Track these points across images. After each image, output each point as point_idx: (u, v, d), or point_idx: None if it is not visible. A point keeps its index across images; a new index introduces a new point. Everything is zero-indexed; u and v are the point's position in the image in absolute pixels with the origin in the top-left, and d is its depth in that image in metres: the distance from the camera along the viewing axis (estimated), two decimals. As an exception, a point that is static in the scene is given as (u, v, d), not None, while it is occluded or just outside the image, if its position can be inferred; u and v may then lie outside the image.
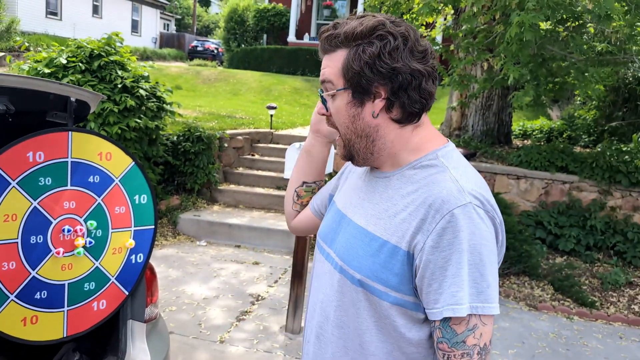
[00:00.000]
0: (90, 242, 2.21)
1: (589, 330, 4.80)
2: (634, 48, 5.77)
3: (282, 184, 7.55)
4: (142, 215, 2.38)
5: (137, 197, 2.36)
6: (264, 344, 4.00)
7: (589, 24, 6.14)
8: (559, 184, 6.18)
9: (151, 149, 6.24)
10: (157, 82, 6.40)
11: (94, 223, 2.22)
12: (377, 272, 1.14)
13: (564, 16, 5.54)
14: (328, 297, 1.26)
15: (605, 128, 8.06)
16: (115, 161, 2.29)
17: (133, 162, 2.33)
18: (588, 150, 7.15)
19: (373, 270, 1.15)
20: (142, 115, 5.93)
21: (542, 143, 7.89)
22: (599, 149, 6.50)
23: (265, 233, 6.31)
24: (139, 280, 2.39)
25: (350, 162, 1.38)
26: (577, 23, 5.96)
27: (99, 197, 2.24)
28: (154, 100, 6.18)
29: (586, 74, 5.71)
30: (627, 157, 6.08)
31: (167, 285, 4.93)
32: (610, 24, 5.22)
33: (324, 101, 1.25)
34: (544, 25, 6.04)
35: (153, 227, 2.43)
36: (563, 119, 9.22)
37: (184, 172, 6.93)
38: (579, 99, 9.15)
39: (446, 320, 1.08)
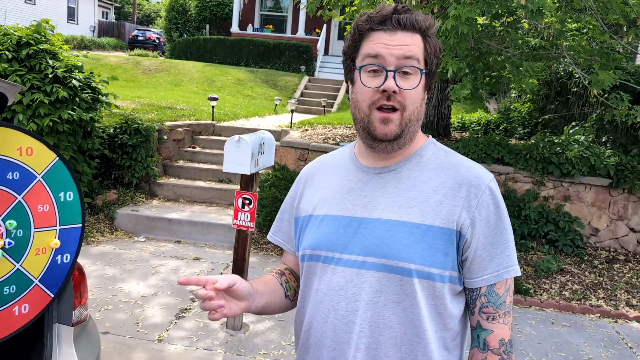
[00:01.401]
0: (9, 243, 2.08)
1: (524, 316, 4.97)
2: (565, 43, 5.99)
3: (224, 177, 7.44)
4: (69, 213, 2.27)
5: (62, 194, 2.25)
6: (204, 342, 3.93)
7: (523, 20, 6.33)
8: (495, 175, 6.34)
9: (86, 142, 6.00)
10: (91, 73, 6.15)
11: (14, 223, 2.09)
12: (429, 257, 1.18)
13: (499, 11, 5.68)
14: (366, 301, 1.20)
15: (539, 120, 8.36)
16: (37, 156, 2.16)
17: (57, 157, 2.21)
18: (523, 142, 7.40)
19: (424, 256, 1.18)
20: (75, 107, 5.69)
21: (479, 135, 8.10)
22: (533, 141, 6.73)
23: (206, 228, 6.19)
24: (66, 281, 2.28)
25: (302, 179, 1.44)
26: (511, 18, 6.13)
27: (19, 195, 2.11)
28: (89, 91, 5.94)
29: (520, 68, 5.88)
30: (558, 148, 6.32)
31: (103, 283, 4.76)
32: (543, 19, 5.40)
33: (395, 78, 1.19)
34: (481, 20, 6.18)
35: (80, 225, 2.31)
36: (500, 111, 9.50)
37: (121, 166, 6.71)
38: (514, 92, 9.44)
39: (491, 285, 1.21)
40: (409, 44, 1.20)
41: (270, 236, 1.51)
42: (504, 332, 1.23)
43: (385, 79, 1.19)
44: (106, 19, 33.14)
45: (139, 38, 26.59)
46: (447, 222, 1.19)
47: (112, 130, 6.77)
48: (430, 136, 1.35)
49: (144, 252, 5.67)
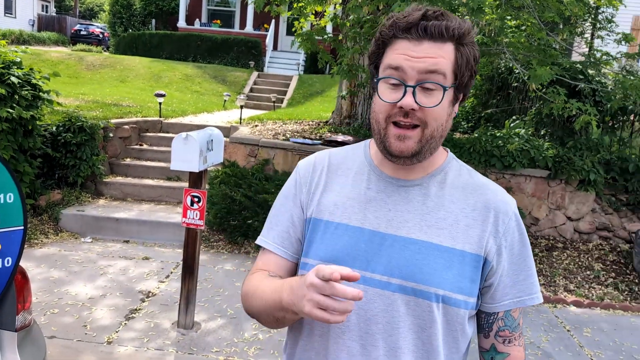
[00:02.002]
0: (-54, 248, 2.02)
1: (469, 304, 5.15)
2: (505, 40, 6.20)
3: (172, 175, 7.35)
4: (9, 215, 2.22)
5: (2, 195, 2.19)
6: (155, 342, 3.89)
7: (466, 17, 6.51)
8: (441, 168, 6.54)
9: (27, 141, 5.80)
10: (31, 69, 5.95)
11: (-49, 227, 2.03)
12: (457, 283, 1.14)
13: (442, 8, 5.82)
14: (391, 325, 1.14)
15: (482, 115, 8.63)
16: (-25, 158, 2.10)
17: (-4, 159, 2.16)
18: (467, 136, 7.62)
19: (454, 282, 1.13)
20: (14, 105, 5.49)
21: (426, 129, 8.28)
22: (476, 135, 6.95)
23: (155, 227, 6.11)
24: (8, 286, 2.23)
25: (309, 174, 1.26)
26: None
27: (-44, 198, 2.05)
28: (29, 88, 5.75)
29: (464, 64, 6.04)
30: (500, 142, 6.55)
31: (49, 286, 4.64)
32: (484, 17, 5.57)
33: (414, 93, 1.09)
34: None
35: (22, 227, 2.27)
36: (445, 106, 9.73)
37: (65, 165, 6.53)
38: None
39: (509, 310, 1.20)
40: (435, 57, 1.08)
41: (260, 240, 1.32)
42: (520, 354, 1.24)
43: (404, 95, 1.08)
44: (46, 12, 31.93)
45: (82, 33, 25.76)
46: (476, 248, 1.15)
47: (54, 128, 6.57)
48: (449, 150, 1.27)
49: (91, 253, 5.55)
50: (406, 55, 1.08)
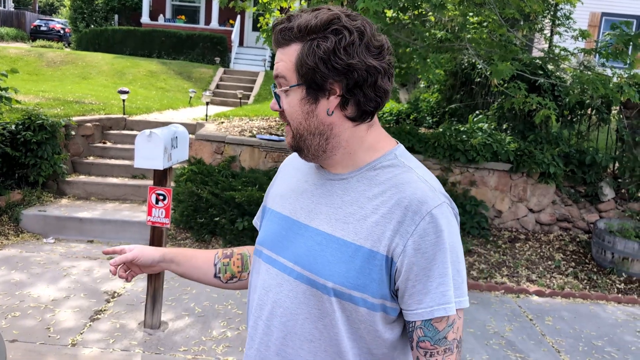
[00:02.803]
0: None
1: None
2: (467, 36, 6.31)
3: (137, 173, 7.24)
4: (-35, 217, 2.16)
5: (-43, 197, 2.14)
6: (121, 343, 3.85)
7: (430, 13, 6.60)
8: (407, 163, 6.61)
9: (-16, 141, 5.65)
10: (-13, 66, 5.78)
11: None
12: (353, 279, 1.10)
13: (405, 4, 5.89)
14: (290, 310, 1.17)
15: (446, 110, 8.75)
16: None
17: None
18: (431, 130, 7.72)
19: (348, 278, 1.10)
20: (-30, 103, 5.34)
21: (391, 125, 8.37)
22: (441, 130, 7.05)
23: (120, 226, 6.02)
24: (-35, 289, 2.17)
25: (280, 167, 1.41)
26: (417, 12, 6.37)
27: None
28: (-15, 86, 5.59)
29: (427, 60, 6.14)
30: (464, 136, 6.66)
31: (9, 289, 4.53)
32: (446, 13, 5.66)
33: (277, 97, 1.17)
34: (389, 13, 6.38)
35: (-21, 229, 2.21)
36: (410, 102, 9.85)
37: (25, 164, 6.36)
38: (423, 83, 9.82)
39: (429, 319, 1.09)
40: (278, 62, 1.15)
41: (254, 220, 1.49)
42: None
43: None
44: (4, 7, 30.97)
45: (42, 28, 25.10)
46: (377, 245, 1.10)
47: (13, 126, 6.39)
48: (399, 143, 1.24)
49: (54, 254, 5.43)
50: None
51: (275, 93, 1.18)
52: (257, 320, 1.25)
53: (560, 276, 5.86)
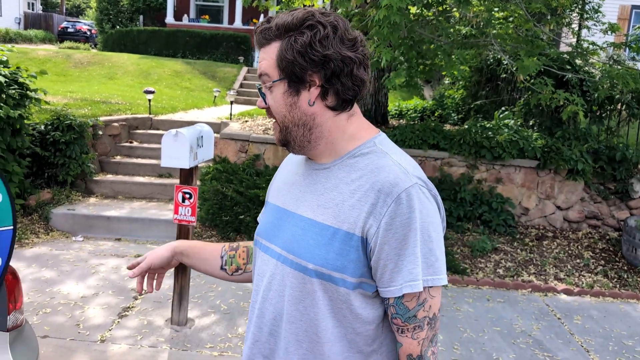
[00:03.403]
0: None
1: (461, 295, 5.19)
2: (493, 32, 6.23)
3: (163, 172, 7.33)
4: (-2, 216, 2.21)
5: (-10, 197, 2.19)
6: (148, 339, 3.90)
7: (454, 9, 6.53)
8: (431, 160, 6.57)
9: (15, 140, 5.77)
10: (18, 67, 5.91)
11: (-61, 229, 2.02)
12: (332, 261, 1.17)
13: (429, 1, 5.83)
14: (278, 292, 1.26)
15: (471, 106, 8.66)
16: (-38, 159, 2.09)
17: (-17, 160, 2.15)
18: (457, 127, 7.65)
19: (328, 259, 1.18)
20: (2, 104, 5.46)
21: (416, 122, 8.31)
22: (466, 126, 6.98)
23: (147, 224, 6.10)
24: (-2, 286, 2.23)
25: (282, 164, 1.48)
26: (441, 8, 6.31)
27: (-56, 199, 2.04)
28: (16, 87, 5.71)
29: (452, 56, 6.07)
30: (490, 133, 6.58)
31: (40, 286, 4.62)
32: (470, 9, 5.59)
33: (263, 95, 1.26)
34: (413, 10, 6.33)
35: (12, 227, 2.26)
36: (434, 98, 9.77)
37: (54, 164, 6.49)
38: (448, 79, 9.73)
39: (400, 297, 1.16)
40: (261, 60, 1.24)
41: (259, 217, 1.56)
42: (412, 347, 1.19)
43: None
44: (32, 10, 31.62)
45: (69, 30, 25.55)
46: (353, 227, 1.17)
47: (43, 127, 6.53)
48: (380, 132, 1.30)
49: (82, 251, 5.53)
50: None
51: (260, 91, 1.26)
52: (254, 303, 1.33)
53: (590, 274, 5.75)
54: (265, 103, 1.26)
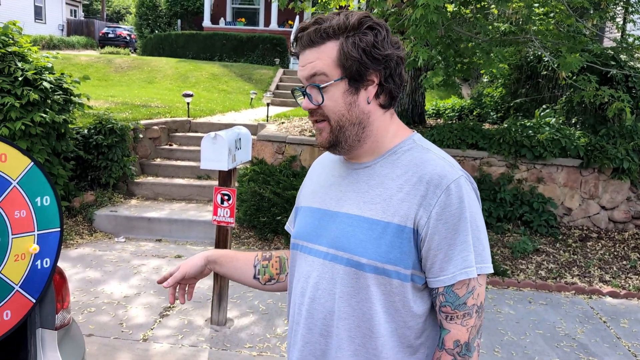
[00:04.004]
0: (-12, 251, 2.09)
1: (502, 297, 5.09)
2: (533, 28, 6.09)
3: (202, 174, 7.43)
4: (46, 217, 2.28)
5: (38, 199, 2.26)
6: (189, 339, 3.96)
7: (492, 6, 6.42)
8: (470, 160, 6.47)
9: (60, 144, 5.95)
10: (62, 74, 6.09)
11: (-9, 230, 2.09)
12: (385, 254, 1.20)
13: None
14: (327, 290, 1.27)
15: (511, 104, 8.49)
16: (12, 163, 2.16)
17: (32, 163, 2.22)
18: (496, 126, 7.51)
19: (381, 253, 1.20)
20: (47, 109, 5.63)
21: (454, 121, 8.20)
22: (506, 125, 6.85)
23: (187, 225, 6.20)
24: (47, 286, 2.29)
25: (308, 171, 1.49)
26: (479, 5, 6.21)
27: (-5, 202, 2.11)
28: (60, 92, 5.89)
29: (491, 54, 5.97)
30: (530, 131, 6.44)
31: (85, 286, 4.75)
32: (510, 5, 5.48)
33: (309, 96, 1.25)
34: (450, 8, 6.25)
35: (59, 229, 2.33)
36: (473, 97, 9.62)
37: (97, 167, 6.66)
38: (486, 77, 9.57)
39: (450, 285, 1.20)
40: (312, 61, 1.23)
41: (286, 225, 1.58)
42: (460, 334, 1.22)
43: (304, 98, 1.27)
44: (75, 16, 32.56)
45: (110, 35, 26.20)
46: (404, 219, 1.20)
47: (86, 131, 6.71)
48: (415, 132, 1.35)
49: (125, 252, 5.66)
50: (300, 66, 1.26)
51: (305, 92, 1.26)
52: (300, 306, 1.33)
53: (637, 277, 5.56)
54: (313, 103, 1.25)
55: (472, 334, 1.23)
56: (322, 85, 1.23)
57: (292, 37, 1.30)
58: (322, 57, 1.22)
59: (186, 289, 1.52)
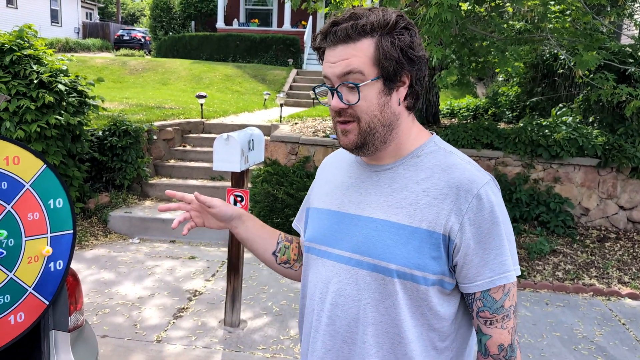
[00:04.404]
0: (1, 253, 2.09)
1: (518, 299, 5.02)
2: (549, 26, 6.01)
3: (215, 175, 7.45)
4: (59, 220, 2.28)
5: (51, 201, 2.26)
6: (202, 340, 3.96)
7: (507, 4, 6.34)
8: (485, 160, 6.40)
9: (75, 146, 5.99)
10: (77, 76, 6.13)
11: (4, 232, 2.10)
12: (413, 259, 1.17)
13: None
14: (352, 296, 1.23)
15: (527, 103, 8.39)
16: (25, 165, 2.17)
17: (45, 165, 2.22)
18: (511, 125, 7.43)
19: (409, 258, 1.17)
20: (62, 112, 5.68)
21: (468, 121, 8.13)
22: (521, 125, 6.76)
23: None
24: (60, 288, 2.29)
25: (318, 171, 1.45)
26: (494, 3, 6.14)
27: (9, 204, 2.12)
28: (75, 95, 5.93)
29: (506, 53, 5.90)
30: (546, 131, 6.35)
31: (99, 287, 4.77)
32: (525, 3, 5.41)
33: (339, 94, 1.20)
34: (464, 6, 6.19)
35: (72, 231, 2.33)
36: (488, 96, 9.53)
37: (112, 168, 6.70)
38: (501, 76, 9.47)
39: (487, 290, 1.19)
40: (347, 57, 1.17)
41: (293, 223, 1.55)
42: (503, 337, 1.21)
43: (333, 98, 1.21)
44: (90, 19, 32.89)
45: (125, 38, 26.41)
46: (433, 225, 1.18)
47: (100, 132, 6.76)
48: (434, 134, 1.32)
49: (139, 253, 5.68)
50: (327, 62, 1.20)
51: (336, 91, 1.19)
52: (320, 313, 1.29)
53: (657, 278, 5.46)
54: (343, 102, 1.19)
55: (512, 335, 1.22)
56: (360, 84, 1.18)
57: (319, 31, 1.23)
58: (359, 55, 1.17)
59: (194, 220, 1.43)
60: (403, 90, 1.21)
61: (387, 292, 1.20)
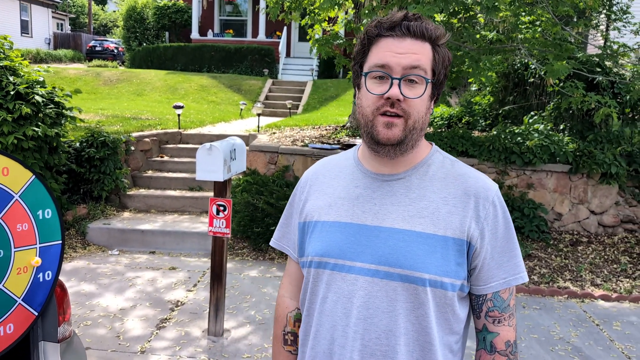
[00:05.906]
0: (-9, 265, 2.10)
1: (496, 302, 5.13)
2: (520, 36, 6.20)
3: (194, 185, 7.44)
4: (48, 230, 2.29)
5: (40, 212, 2.27)
6: (187, 350, 3.96)
7: (479, 15, 6.52)
8: (461, 167, 6.53)
9: (52, 158, 5.93)
10: (54, 87, 6.09)
11: (-6, 244, 2.10)
12: (444, 267, 1.21)
13: (456, 8, 5.84)
14: (381, 309, 1.22)
15: (499, 112, 8.59)
16: (14, 176, 2.18)
17: (34, 176, 2.23)
18: (485, 134, 7.60)
19: (439, 266, 1.21)
20: (39, 123, 5.62)
21: (443, 130, 8.28)
22: (495, 133, 6.93)
23: (180, 237, 6.19)
24: (49, 299, 2.30)
25: (306, 183, 1.41)
26: (468, 14, 6.31)
27: (-2, 216, 2.12)
28: (52, 106, 5.88)
29: (479, 63, 6.06)
30: (519, 138, 6.53)
31: (80, 299, 4.73)
32: (498, 14, 5.58)
33: (399, 84, 1.19)
34: (439, 17, 6.34)
35: (60, 242, 2.34)
36: (461, 105, 9.73)
37: (89, 180, 6.65)
38: (474, 85, 9.68)
39: (497, 291, 1.27)
40: (417, 53, 1.20)
41: (274, 242, 1.49)
42: (509, 334, 1.29)
43: (391, 86, 1.19)
44: (61, 30, 32.48)
45: (97, 48, 26.16)
46: (458, 233, 1.22)
47: (78, 144, 6.70)
48: (434, 144, 1.36)
49: (119, 265, 5.64)
50: (392, 51, 1.19)
51: (397, 80, 1.19)
52: (345, 328, 1.25)
53: (628, 279, 5.64)
54: (402, 94, 1.19)
55: (516, 331, 1.31)
56: (429, 80, 1.22)
57: (378, 20, 1.24)
58: (425, 54, 1.21)
59: None
60: (433, 103, 1.29)
61: (420, 302, 1.21)
